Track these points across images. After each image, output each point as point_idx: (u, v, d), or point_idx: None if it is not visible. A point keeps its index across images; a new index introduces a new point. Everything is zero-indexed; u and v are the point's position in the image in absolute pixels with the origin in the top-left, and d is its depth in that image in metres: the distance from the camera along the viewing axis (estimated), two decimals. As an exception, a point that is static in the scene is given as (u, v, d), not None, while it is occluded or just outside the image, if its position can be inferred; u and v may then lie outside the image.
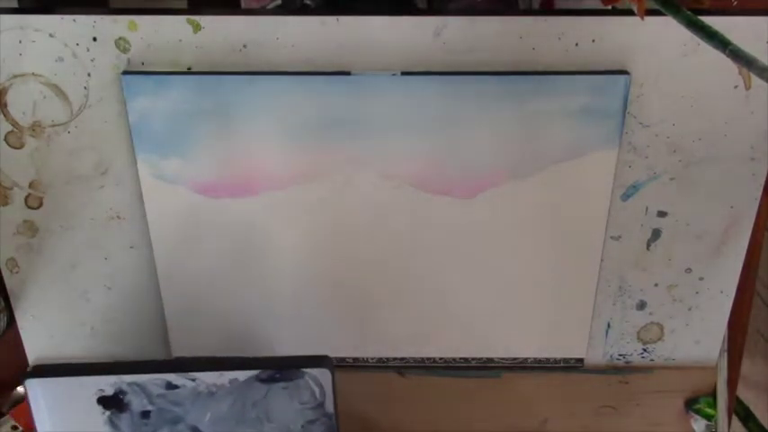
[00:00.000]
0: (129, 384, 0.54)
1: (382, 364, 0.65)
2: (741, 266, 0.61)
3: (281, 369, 0.54)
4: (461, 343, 0.64)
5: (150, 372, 0.54)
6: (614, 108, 0.52)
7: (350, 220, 0.57)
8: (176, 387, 0.55)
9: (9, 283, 0.61)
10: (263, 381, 0.55)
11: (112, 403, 0.55)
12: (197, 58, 0.52)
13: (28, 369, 0.58)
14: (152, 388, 0.54)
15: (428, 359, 0.65)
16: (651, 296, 0.62)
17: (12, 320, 0.63)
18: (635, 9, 0.46)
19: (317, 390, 0.55)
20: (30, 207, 0.58)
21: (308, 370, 0.54)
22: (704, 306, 0.62)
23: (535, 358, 0.65)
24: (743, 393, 0.75)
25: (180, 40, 0.51)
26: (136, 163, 0.55)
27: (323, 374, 0.54)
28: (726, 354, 0.65)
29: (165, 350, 0.64)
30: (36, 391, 0.54)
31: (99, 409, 0.55)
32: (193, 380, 0.54)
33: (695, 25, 0.40)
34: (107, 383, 0.54)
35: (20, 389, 0.67)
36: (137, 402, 0.55)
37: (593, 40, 0.51)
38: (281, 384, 0.55)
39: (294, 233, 0.58)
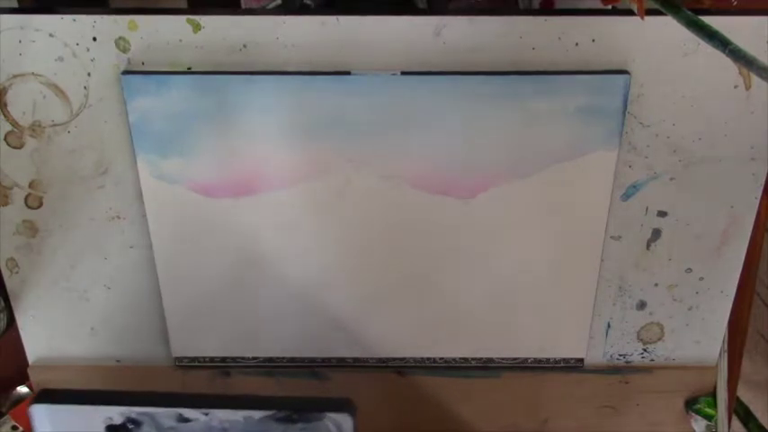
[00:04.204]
0: (140, 414, 0.52)
1: (382, 364, 0.65)
2: (741, 266, 0.61)
3: (300, 411, 0.51)
4: (461, 343, 0.64)
5: (162, 405, 0.52)
6: (614, 108, 0.52)
7: (350, 220, 0.57)
8: (188, 420, 0.52)
9: (9, 283, 0.61)
10: (279, 420, 0.52)
11: None
12: (197, 58, 0.52)
13: (34, 393, 0.55)
14: (163, 420, 0.52)
15: (428, 359, 0.65)
16: (651, 296, 0.62)
17: (12, 320, 0.63)
18: (635, 9, 0.46)
19: None
20: (30, 207, 0.58)
21: (328, 413, 0.51)
22: (704, 306, 0.62)
23: (535, 358, 0.65)
24: (743, 393, 0.75)
25: (180, 40, 0.51)
26: (136, 163, 0.55)
27: (344, 420, 0.51)
28: (726, 354, 0.65)
29: (165, 350, 0.64)
30: (42, 417, 0.52)
31: None
32: (206, 414, 0.52)
33: (695, 25, 0.40)
34: (116, 412, 0.52)
35: (20, 389, 0.67)
36: None
37: (594, 40, 0.51)
38: (299, 425, 0.52)
39: (293, 233, 0.58)
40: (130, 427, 0.52)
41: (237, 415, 0.52)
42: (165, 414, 0.52)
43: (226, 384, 0.66)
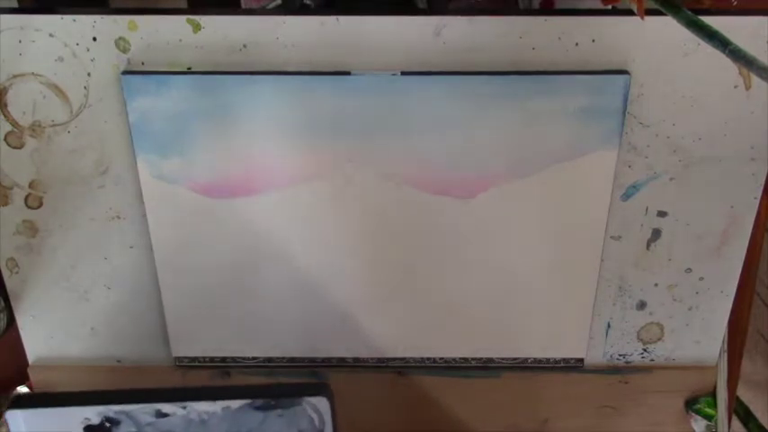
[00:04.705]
0: (117, 413, 0.52)
1: (382, 364, 0.65)
2: (741, 266, 0.61)
3: (276, 398, 0.52)
4: (461, 343, 0.64)
5: (139, 401, 0.52)
6: (614, 108, 0.52)
7: (350, 220, 0.57)
8: (166, 415, 0.52)
9: (9, 283, 0.61)
10: (257, 408, 0.52)
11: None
12: (197, 58, 0.52)
13: (11, 397, 0.55)
14: (141, 416, 0.52)
15: (428, 359, 0.65)
16: (651, 296, 0.62)
17: (12, 320, 0.63)
18: (635, 9, 0.46)
19: (315, 417, 0.52)
20: (30, 207, 0.58)
21: (305, 397, 0.52)
22: (704, 306, 0.62)
23: (535, 358, 0.65)
24: (743, 393, 0.75)
25: (180, 40, 0.51)
26: (136, 163, 0.55)
27: (321, 403, 0.52)
28: (726, 354, 0.65)
29: (165, 350, 0.64)
30: (18, 422, 0.51)
31: None
32: (184, 408, 0.52)
33: (695, 25, 0.40)
34: (94, 412, 0.52)
35: (20, 389, 0.67)
36: (124, 431, 0.53)
37: (594, 40, 0.51)
38: (278, 412, 0.52)
39: (293, 233, 0.58)
40: (108, 426, 0.52)
41: (215, 406, 0.52)
42: (142, 410, 0.52)
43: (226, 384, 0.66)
